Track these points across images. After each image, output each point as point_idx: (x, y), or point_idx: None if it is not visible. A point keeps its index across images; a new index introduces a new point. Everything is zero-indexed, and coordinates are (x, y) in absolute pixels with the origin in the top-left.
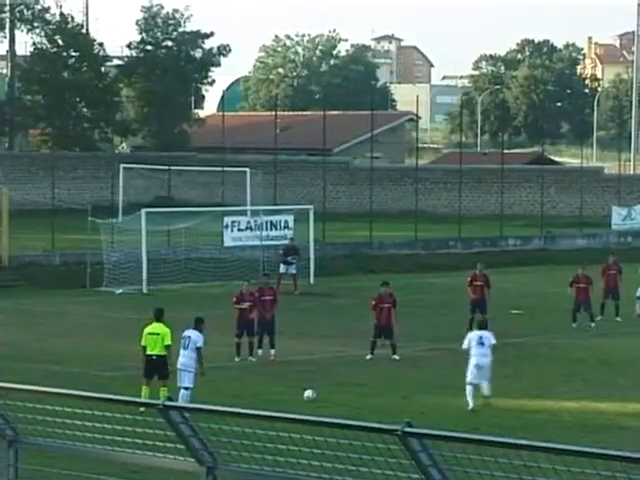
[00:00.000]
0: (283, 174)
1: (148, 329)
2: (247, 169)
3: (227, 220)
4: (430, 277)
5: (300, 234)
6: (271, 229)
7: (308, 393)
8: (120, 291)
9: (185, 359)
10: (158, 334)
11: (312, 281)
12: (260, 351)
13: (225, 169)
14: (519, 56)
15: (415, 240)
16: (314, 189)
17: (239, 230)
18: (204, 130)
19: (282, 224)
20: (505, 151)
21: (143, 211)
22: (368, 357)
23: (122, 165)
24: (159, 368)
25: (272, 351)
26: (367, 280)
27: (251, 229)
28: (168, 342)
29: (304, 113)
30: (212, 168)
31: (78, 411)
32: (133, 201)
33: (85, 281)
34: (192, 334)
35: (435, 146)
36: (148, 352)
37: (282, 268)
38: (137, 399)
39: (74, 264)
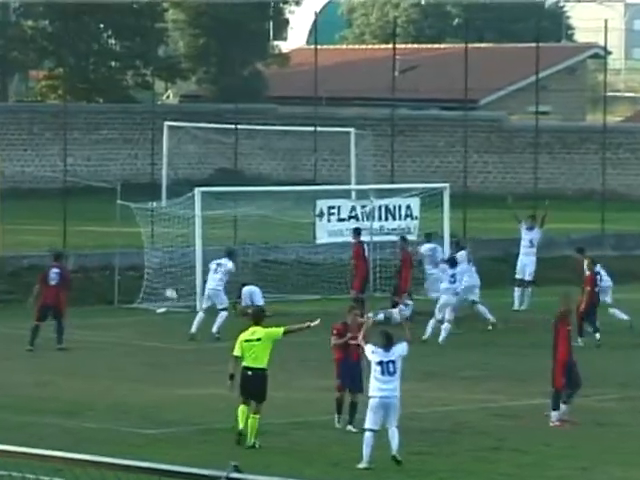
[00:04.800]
0: (404, 137)
1: (245, 335)
2: (351, 130)
3: (321, 205)
4: (625, 290)
5: (429, 225)
6: (387, 219)
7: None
8: (164, 310)
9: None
10: (259, 340)
11: None
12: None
13: (319, 129)
14: None
15: (601, 235)
16: (450, 159)
17: (339, 220)
18: (288, 72)
19: (403, 211)
20: None
21: (197, 191)
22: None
23: (167, 123)
24: (256, 386)
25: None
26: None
27: (357, 219)
28: (280, 332)
29: (436, 47)
30: (300, 128)
31: None
32: (183, 176)
33: (112, 294)
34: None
35: (633, 95)
36: (245, 364)
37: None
38: (198, 470)
39: (95, 269)
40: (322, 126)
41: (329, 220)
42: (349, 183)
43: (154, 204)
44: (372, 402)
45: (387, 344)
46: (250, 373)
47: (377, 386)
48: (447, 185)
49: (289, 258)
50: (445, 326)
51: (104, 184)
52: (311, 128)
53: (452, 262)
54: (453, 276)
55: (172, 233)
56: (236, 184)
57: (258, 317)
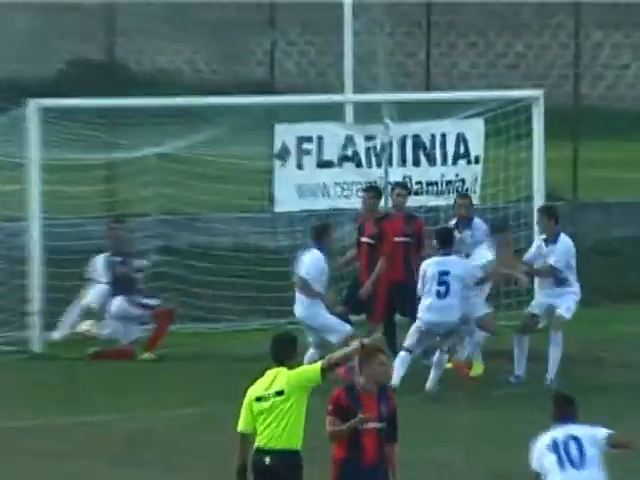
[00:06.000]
0: (450, 13)
1: (257, 388)
2: None
3: (285, 135)
4: None
5: (500, 179)
6: (417, 162)
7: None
8: None
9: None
10: (280, 394)
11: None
12: None
13: None
14: None
15: None
16: (547, 40)
17: (321, 165)
18: None
19: (451, 147)
20: None
21: (33, 104)
22: None
23: None
24: None
25: None
26: None
27: (358, 163)
28: (317, 373)
29: None
30: None
31: None
32: (6, 76)
33: None
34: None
35: None
36: (258, 444)
37: None
38: None
39: None
40: None
41: (300, 165)
42: (341, 91)
43: None
44: None
45: (565, 413)
46: (268, 461)
47: None
48: (540, 93)
49: (222, 243)
50: (438, 357)
51: None
52: None
53: (443, 238)
54: (442, 284)
55: None
56: (112, 92)
57: (287, 350)
